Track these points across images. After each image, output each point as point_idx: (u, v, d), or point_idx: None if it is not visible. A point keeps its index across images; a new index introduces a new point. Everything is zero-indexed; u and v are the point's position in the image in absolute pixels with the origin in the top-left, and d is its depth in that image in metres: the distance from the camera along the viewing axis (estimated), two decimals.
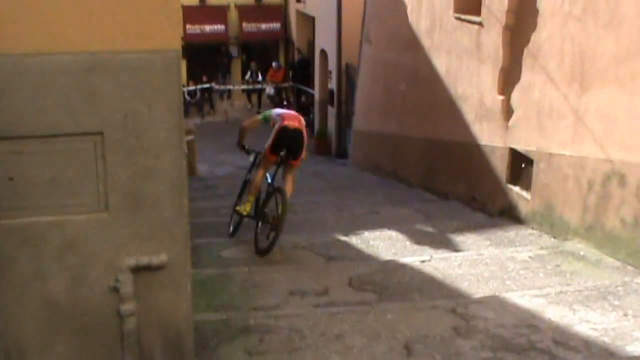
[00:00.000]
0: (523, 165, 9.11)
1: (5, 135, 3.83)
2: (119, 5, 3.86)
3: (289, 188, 8.46)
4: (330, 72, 21.43)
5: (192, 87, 26.78)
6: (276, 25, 29.18)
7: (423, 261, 7.48)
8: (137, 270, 4.14)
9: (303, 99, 25.97)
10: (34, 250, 4.00)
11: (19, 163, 3.89)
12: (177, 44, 4.04)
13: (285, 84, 27.46)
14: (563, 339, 5.34)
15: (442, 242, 8.58)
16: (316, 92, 23.71)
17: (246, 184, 9.29)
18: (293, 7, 27.47)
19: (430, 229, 9.25)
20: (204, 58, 28.60)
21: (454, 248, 8.33)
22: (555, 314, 5.77)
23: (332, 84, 21.21)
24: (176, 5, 4.02)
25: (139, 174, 4.04)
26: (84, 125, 3.92)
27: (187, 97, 26.03)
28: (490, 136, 9.97)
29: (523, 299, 6.11)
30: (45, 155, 3.92)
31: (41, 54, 3.80)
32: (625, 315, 5.73)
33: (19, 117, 3.83)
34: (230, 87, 28.63)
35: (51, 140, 3.90)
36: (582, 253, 7.43)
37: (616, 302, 5.97)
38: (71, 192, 3.99)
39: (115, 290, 4.14)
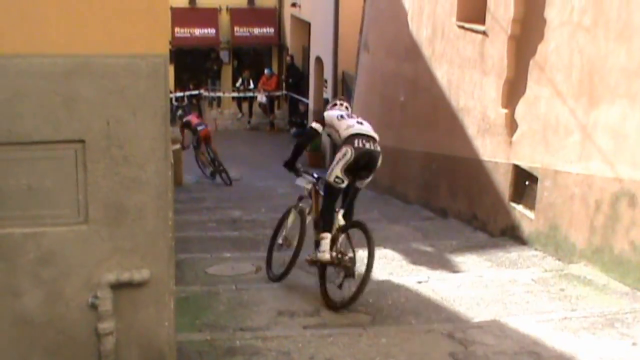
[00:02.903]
0: (527, 183, 9.11)
1: None
2: (102, 6, 3.84)
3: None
4: (326, 81, 21.44)
5: (179, 94, 26.76)
6: (270, 30, 29.21)
7: (420, 282, 7.46)
8: (117, 286, 4.10)
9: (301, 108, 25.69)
10: (7, 264, 3.96)
11: None
12: (164, 48, 4.02)
13: (278, 92, 27.48)
14: None
15: (441, 263, 8.56)
16: (310, 102, 23.70)
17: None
18: (288, 11, 27.52)
19: (428, 248, 9.23)
20: (193, 63, 28.64)
21: (453, 269, 8.31)
22: (559, 341, 5.74)
23: (328, 93, 21.21)
24: (163, 7, 4.00)
25: (122, 185, 4.02)
26: (63, 132, 3.89)
27: (175, 103, 26.00)
28: (493, 151, 9.98)
29: (525, 324, 6.09)
30: (21, 164, 3.89)
31: (18, 55, 3.77)
32: (634, 344, 5.70)
33: None
34: (220, 94, 28.61)
35: (28, 148, 3.87)
36: (588, 277, 7.41)
37: (624, 330, 5.95)
38: (49, 202, 3.96)
39: (94, 307, 4.11)
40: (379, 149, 7.13)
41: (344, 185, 7.16)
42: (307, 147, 7.76)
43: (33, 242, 3.98)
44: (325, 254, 7.00)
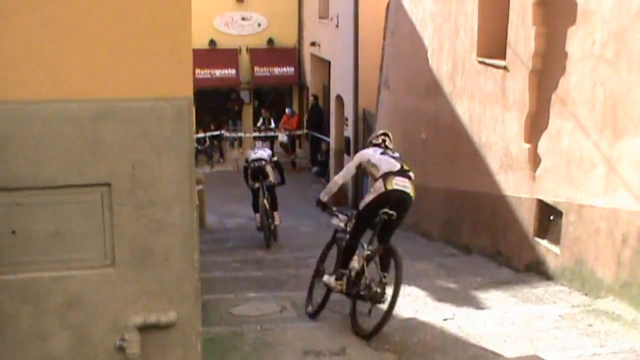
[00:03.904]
0: (551, 218, 9.07)
1: (7, 186, 3.85)
2: (127, 51, 3.90)
3: None
4: (347, 119, 21.50)
5: (201, 135, 26.90)
6: (290, 70, 29.33)
7: (445, 319, 7.42)
8: (144, 328, 4.12)
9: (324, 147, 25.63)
10: (35, 308, 4.00)
11: (21, 215, 3.91)
12: (188, 91, 4.07)
13: (299, 131, 27.57)
14: None
15: (466, 299, 8.52)
16: (332, 140, 23.76)
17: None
18: (307, 50, 27.66)
19: (452, 285, 9.19)
20: (213, 104, 28.75)
21: (478, 305, 8.27)
22: None
23: (349, 132, 21.27)
24: (187, 50, 4.05)
25: (148, 228, 4.05)
26: (90, 176, 3.94)
27: (197, 145, 26.14)
28: (517, 186, 9.95)
29: None
30: (49, 208, 3.94)
31: (45, 101, 3.84)
32: None
33: (22, 167, 3.85)
34: (241, 134, 28.72)
35: (55, 192, 3.92)
36: (616, 312, 7.34)
37: None
38: (76, 246, 4.00)
39: (121, 350, 4.12)
40: (263, 163, 14.05)
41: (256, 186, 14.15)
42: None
43: (60, 286, 4.01)
44: None
